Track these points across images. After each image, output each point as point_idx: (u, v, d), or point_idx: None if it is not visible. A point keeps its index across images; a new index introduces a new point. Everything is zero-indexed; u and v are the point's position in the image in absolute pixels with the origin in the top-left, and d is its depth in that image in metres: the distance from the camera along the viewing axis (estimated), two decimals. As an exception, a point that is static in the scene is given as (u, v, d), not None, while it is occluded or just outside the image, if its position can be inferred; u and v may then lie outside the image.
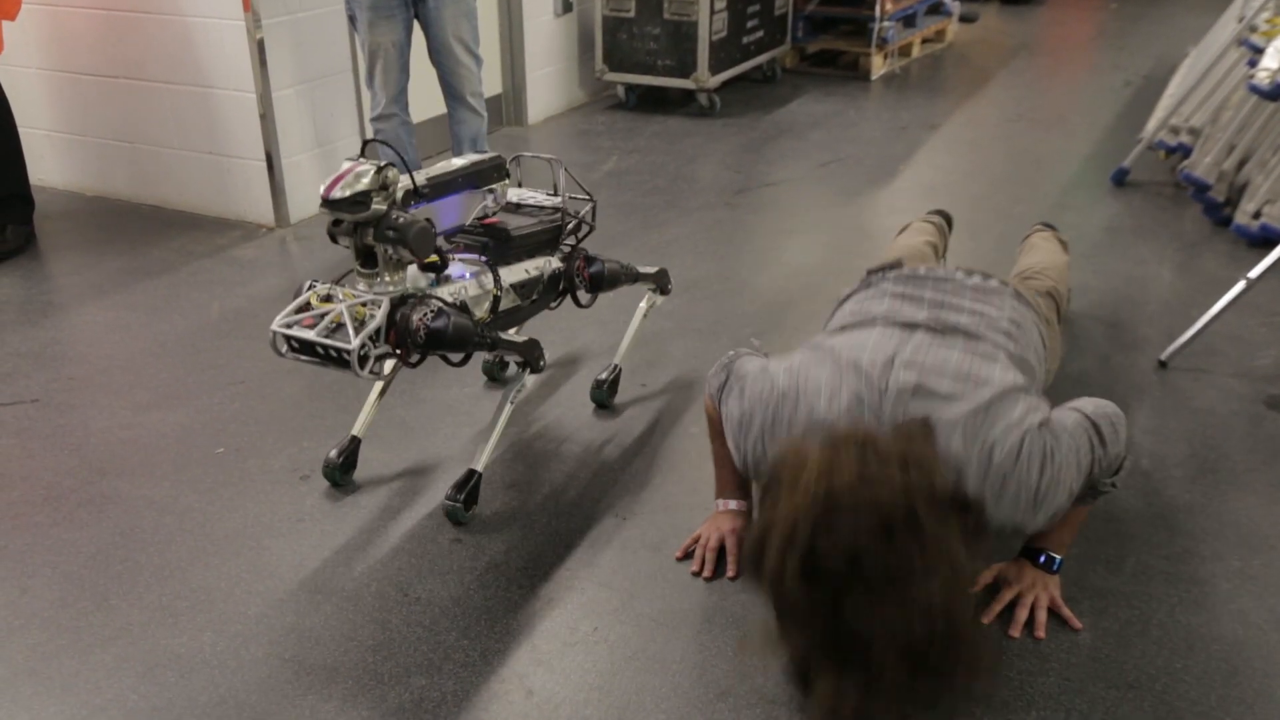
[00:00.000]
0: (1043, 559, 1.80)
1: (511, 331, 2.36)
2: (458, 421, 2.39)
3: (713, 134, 4.54)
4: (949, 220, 2.87)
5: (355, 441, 2.18)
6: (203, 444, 2.33)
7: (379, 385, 2.21)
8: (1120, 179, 3.82)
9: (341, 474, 2.16)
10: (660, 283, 2.47)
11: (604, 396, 2.44)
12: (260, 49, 3.35)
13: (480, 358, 2.54)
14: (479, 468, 2.05)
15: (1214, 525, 2.01)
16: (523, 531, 2.02)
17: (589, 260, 2.26)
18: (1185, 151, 3.77)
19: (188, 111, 3.56)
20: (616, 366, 2.45)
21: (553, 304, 2.25)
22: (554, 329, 2.76)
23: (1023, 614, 1.76)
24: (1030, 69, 5.62)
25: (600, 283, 2.27)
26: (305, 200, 3.58)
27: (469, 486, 2.03)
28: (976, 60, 5.83)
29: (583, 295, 2.28)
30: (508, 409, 2.07)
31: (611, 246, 2.48)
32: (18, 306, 3.02)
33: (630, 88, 4.93)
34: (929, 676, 1.38)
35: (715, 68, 4.73)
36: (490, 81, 4.26)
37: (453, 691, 1.64)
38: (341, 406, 2.44)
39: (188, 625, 1.78)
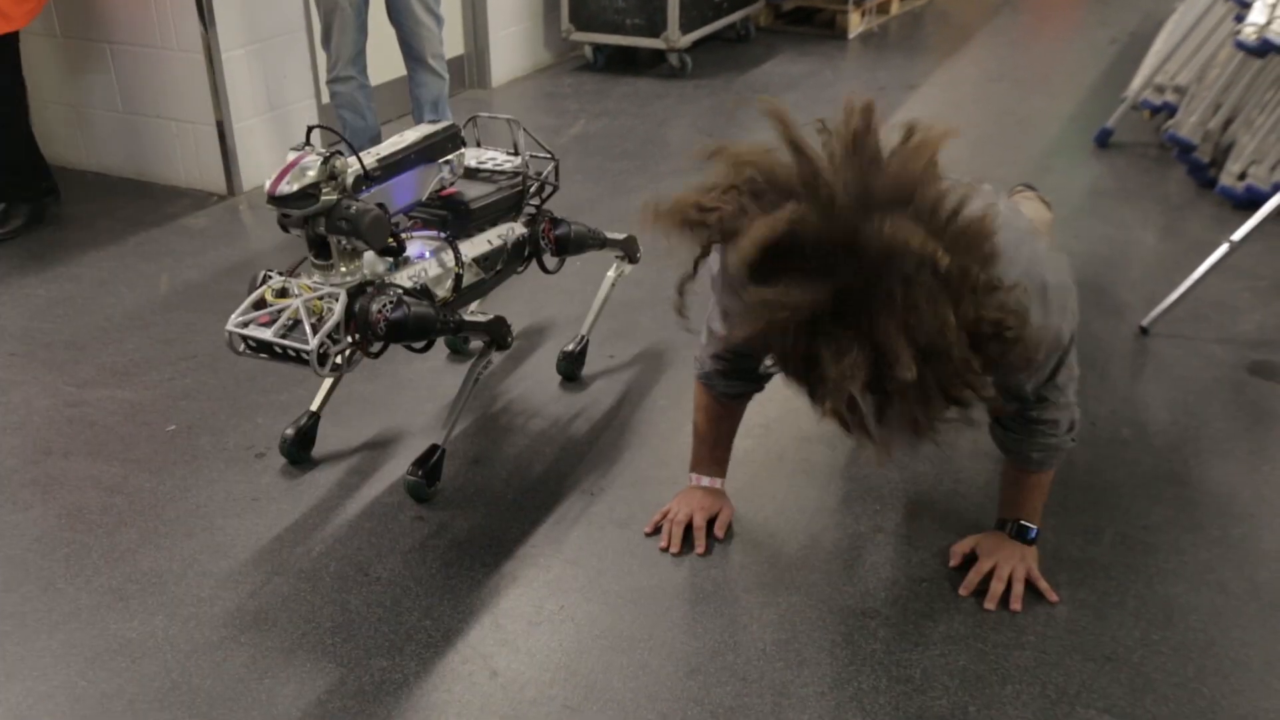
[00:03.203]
0: (1018, 530, 1.78)
1: (474, 306, 2.30)
2: (419, 396, 2.34)
3: (684, 96, 4.47)
4: None
5: (314, 417, 2.12)
6: (153, 421, 2.27)
7: None
8: (1104, 140, 3.78)
9: (299, 451, 2.11)
10: (629, 250, 2.41)
11: (571, 369, 2.39)
12: (208, 7, 3.24)
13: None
14: (442, 443, 2.01)
15: (1194, 494, 1.99)
16: (487, 508, 1.98)
17: (555, 222, 2.20)
18: (1170, 111, 3.73)
19: (131, 72, 3.45)
20: (584, 338, 2.40)
21: (519, 269, 2.19)
22: (519, 300, 2.71)
23: (998, 587, 1.75)
24: (1013, 26, 5.56)
25: (567, 245, 2.22)
26: (258, 167, 3.50)
27: (431, 462, 1.99)
28: (958, 17, 5.76)
29: (549, 260, 2.22)
30: (473, 384, 2.03)
31: (579, 214, 2.43)
32: (-46, 280, 2.94)
33: (598, 48, 4.83)
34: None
35: (686, 26, 4.64)
36: (452, 42, 4.17)
37: (415, 673, 1.62)
38: (298, 381, 2.38)
39: (139, 609, 1.75)
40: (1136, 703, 1.55)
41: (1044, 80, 4.61)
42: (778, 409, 2.17)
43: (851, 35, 5.32)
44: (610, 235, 2.36)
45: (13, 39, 3.08)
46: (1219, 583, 1.77)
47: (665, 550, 1.86)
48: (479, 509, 1.98)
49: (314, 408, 2.12)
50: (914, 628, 1.69)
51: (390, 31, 3.29)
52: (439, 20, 3.29)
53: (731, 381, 1.82)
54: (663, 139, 3.97)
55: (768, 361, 1.58)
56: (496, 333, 2.01)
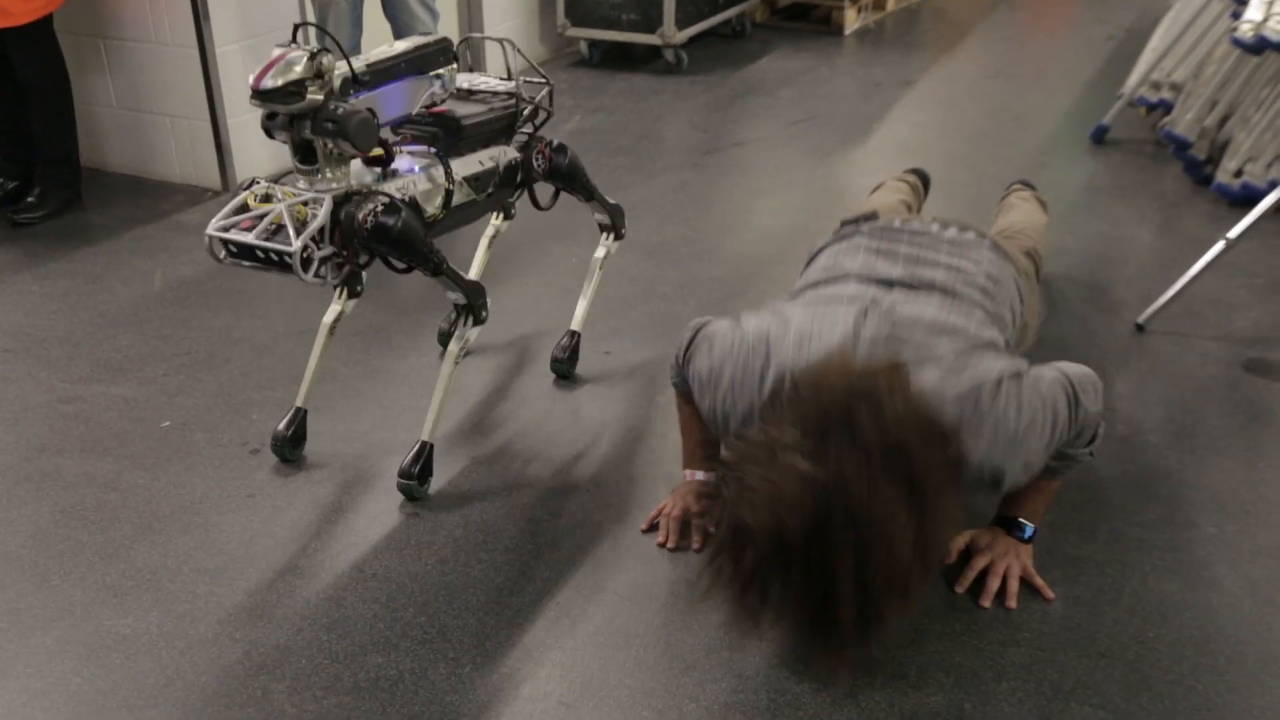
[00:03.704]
0: (1015, 527, 1.78)
1: (474, 270, 2.20)
2: (413, 392, 2.33)
3: (680, 92, 4.46)
4: (925, 181, 2.82)
5: (300, 413, 2.10)
6: (147, 418, 2.26)
7: (319, 352, 2.09)
8: (1100, 137, 3.78)
9: (291, 448, 2.09)
10: (615, 219, 2.35)
11: (564, 366, 2.37)
12: (203, 2, 3.23)
13: (434, 325, 2.48)
14: (428, 438, 1.98)
15: (1189, 491, 1.99)
16: (482, 505, 1.98)
17: (553, 147, 2.14)
18: (1166, 108, 3.73)
19: (126, 68, 3.44)
20: (575, 334, 2.38)
21: (511, 198, 2.14)
22: (513, 296, 2.70)
23: (994, 583, 1.75)
24: (1010, 22, 5.55)
25: (560, 172, 2.16)
26: (252, 162, 3.48)
27: (421, 459, 1.97)
28: (954, 14, 5.75)
29: (541, 194, 2.16)
30: (451, 368, 1.97)
31: (573, 210, 2.41)
32: (-52, 276, 2.93)
33: (593, 44, 4.82)
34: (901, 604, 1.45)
35: (682, 22, 4.63)
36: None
37: (410, 669, 1.62)
38: (292, 377, 2.37)
39: (133, 605, 1.74)
40: (1131, 699, 1.55)
41: (1040, 77, 4.61)
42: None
43: (847, 31, 5.32)
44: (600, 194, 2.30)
45: (47, 31, 3.09)
46: (1214, 580, 1.78)
47: (662, 546, 1.86)
48: (474, 506, 1.97)
49: (299, 403, 2.09)
50: (909, 624, 1.69)
51: (385, 26, 3.28)
52: (434, 14, 3.28)
53: None
54: (658, 135, 3.96)
55: None
56: (472, 296, 1.93)
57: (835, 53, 5.03)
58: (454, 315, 1.98)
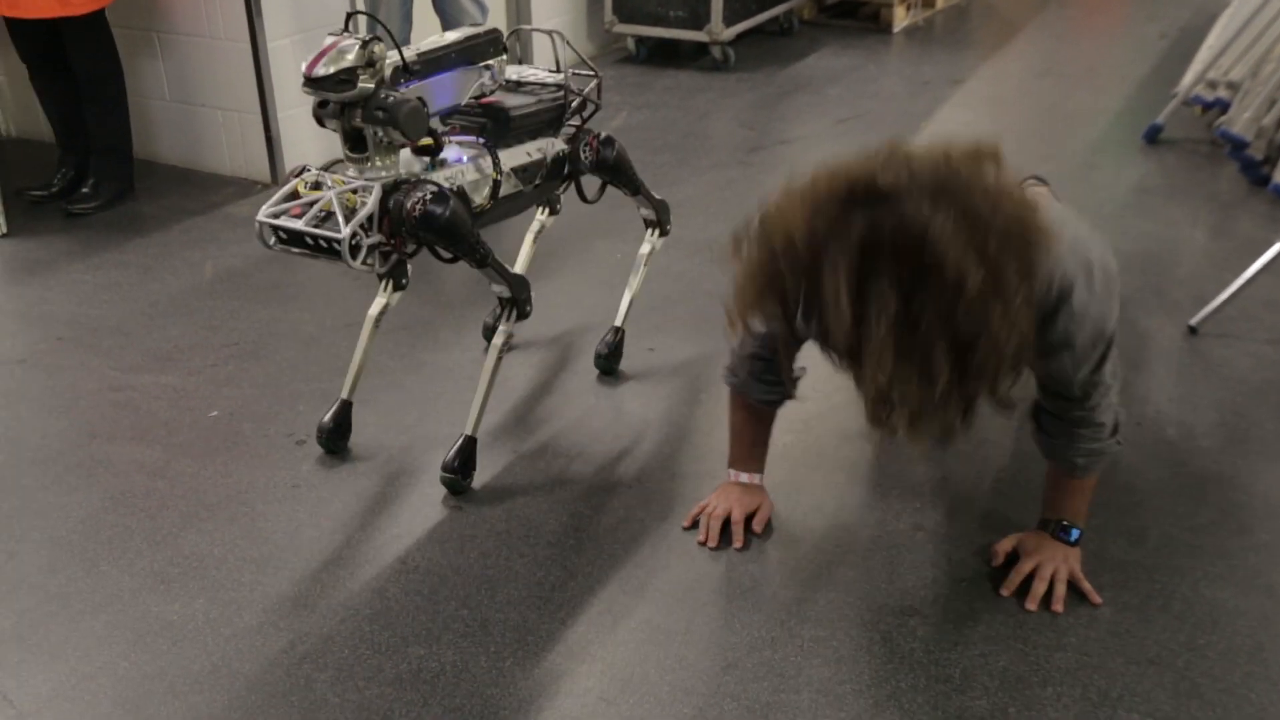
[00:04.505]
0: (1061, 530, 1.76)
1: (520, 263, 2.20)
2: (458, 386, 2.34)
3: (726, 89, 4.44)
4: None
5: (346, 405, 2.12)
6: (196, 407, 2.29)
7: (364, 345, 2.10)
8: (1153, 136, 3.71)
9: (335, 439, 2.11)
10: (660, 215, 2.34)
11: (608, 363, 2.37)
12: (254, -4, 3.27)
13: (479, 319, 2.48)
14: (471, 432, 1.99)
15: (1242, 497, 1.95)
16: (525, 500, 1.98)
17: (600, 140, 2.14)
18: (1223, 107, 3.65)
19: (179, 61, 3.49)
20: (619, 330, 2.37)
21: (559, 189, 2.14)
22: (558, 292, 2.70)
23: (1041, 587, 1.72)
24: (1060, 20, 5.48)
25: (607, 166, 2.16)
26: (302, 156, 3.48)
27: (464, 454, 1.98)
28: (1004, 11, 5.68)
29: (588, 186, 2.17)
30: (494, 361, 1.97)
31: (619, 205, 2.41)
32: (2, 264, 2.98)
33: (640, 40, 4.81)
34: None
35: (730, 19, 4.61)
36: (497, 33, 4.16)
37: (452, 662, 1.62)
38: (338, 370, 2.37)
39: (180, 592, 1.76)
40: (1181, 707, 1.53)
41: (1091, 75, 4.54)
42: (818, 405, 2.15)
43: (896, 29, 5.27)
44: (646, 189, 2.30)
45: (102, 23, 3.14)
46: (1267, 587, 1.74)
47: (703, 545, 1.85)
48: (517, 500, 1.98)
49: (344, 395, 2.11)
50: (954, 627, 1.67)
51: (435, 21, 3.30)
52: (483, 9, 3.30)
53: (766, 386, 1.80)
54: (704, 132, 3.95)
55: (799, 367, 1.68)
56: (517, 289, 1.94)
57: (883, 50, 4.99)
58: (498, 309, 2.00)
